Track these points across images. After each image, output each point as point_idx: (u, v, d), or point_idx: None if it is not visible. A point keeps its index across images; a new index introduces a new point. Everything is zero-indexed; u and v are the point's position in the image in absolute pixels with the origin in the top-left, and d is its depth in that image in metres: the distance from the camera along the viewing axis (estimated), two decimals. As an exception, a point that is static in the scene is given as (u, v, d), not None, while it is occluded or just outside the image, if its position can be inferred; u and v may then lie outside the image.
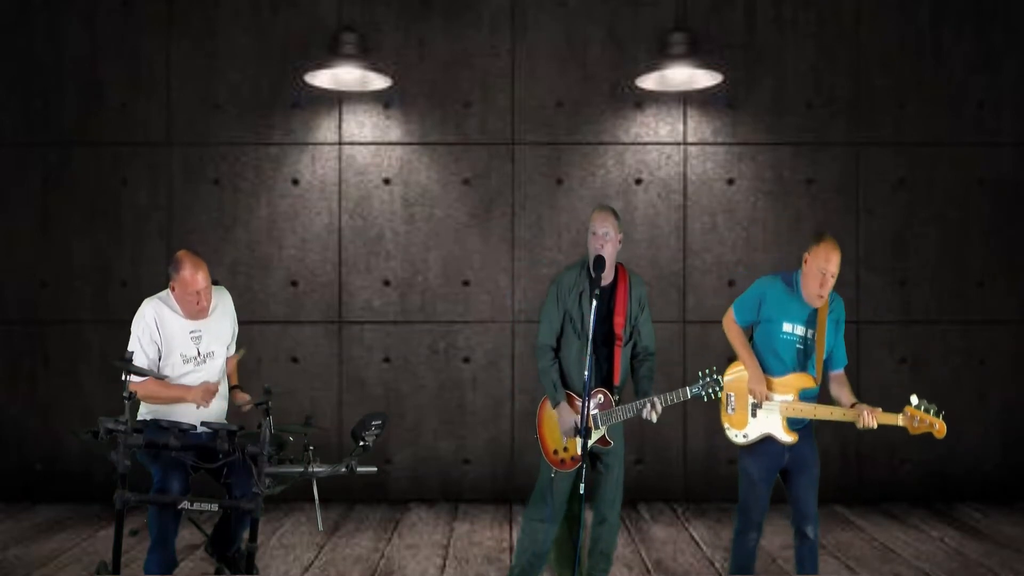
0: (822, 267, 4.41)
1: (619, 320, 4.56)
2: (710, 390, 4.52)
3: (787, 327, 4.51)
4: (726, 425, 4.60)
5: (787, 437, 4.49)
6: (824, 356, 4.52)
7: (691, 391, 4.51)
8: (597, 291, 4.35)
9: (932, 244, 7.43)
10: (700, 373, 4.55)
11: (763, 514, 4.57)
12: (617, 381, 4.63)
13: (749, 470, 4.55)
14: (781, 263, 7.16)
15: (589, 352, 4.27)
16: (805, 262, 4.47)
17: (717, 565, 5.71)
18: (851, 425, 7.35)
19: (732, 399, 4.59)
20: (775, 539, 6.05)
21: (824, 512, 7.03)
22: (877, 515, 6.98)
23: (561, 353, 4.67)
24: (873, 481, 7.40)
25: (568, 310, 4.63)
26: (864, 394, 7.31)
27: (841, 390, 4.57)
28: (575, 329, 4.61)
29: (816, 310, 4.50)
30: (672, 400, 4.53)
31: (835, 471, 7.33)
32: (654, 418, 4.53)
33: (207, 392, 4.47)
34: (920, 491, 7.38)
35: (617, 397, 4.63)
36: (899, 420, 4.35)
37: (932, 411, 4.34)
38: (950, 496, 7.37)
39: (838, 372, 4.61)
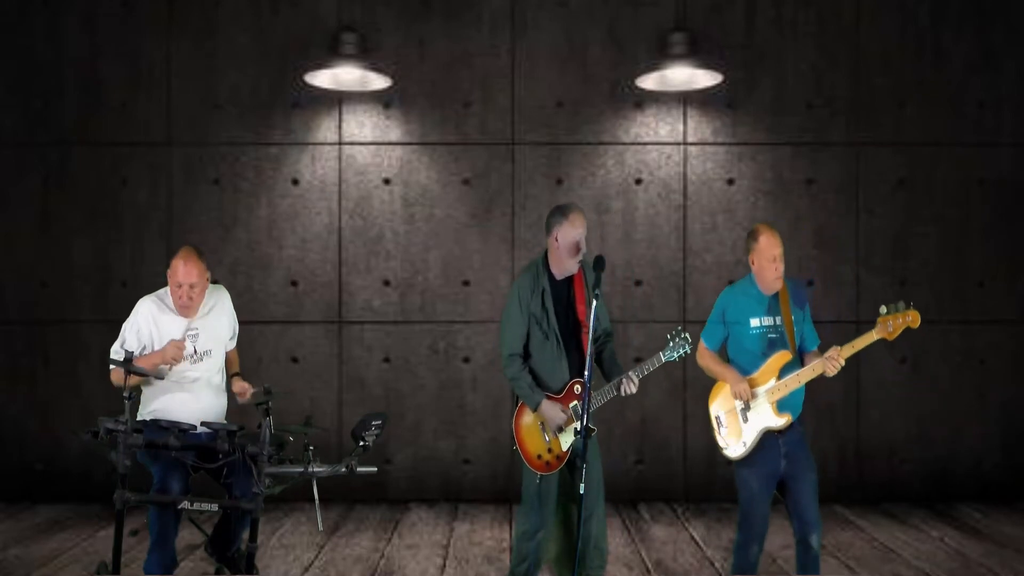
0: (769, 255, 4.47)
1: (582, 308, 4.57)
2: (680, 350, 4.49)
3: (755, 322, 4.54)
4: (722, 446, 4.61)
5: (779, 420, 4.45)
6: (796, 335, 4.51)
7: (664, 356, 4.48)
8: (597, 291, 4.34)
9: (932, 244, 7.43)
10: (668, 335, 4.53)
11: (765, 525, 4.52)
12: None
13: (749, 481, 4.50)
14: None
15: (590, 351, 4.25)
16: (752, 263, 4.53)
17: (717, 565, 5.70)
18: (851, 425, 7.35)
19: (722, 418, 4.61)
20: (775, 539, 6.04)
21: (824, 512, 7.02)
22: (877, 515, 6.97)
23: (533, 358, 4.65)
24: (873, 481, 7.40)
25: (533, 313, 4.62)
26: (865, 393, 7.37)
27: (811, 358, 4.53)
28: (542, 329, 4.61)
29: (777, 296, 4.54)
30: (648, 370, 4.52)
31: (835, 471, 7.33)
32: (633, 389, 4.52)
33: (175, 348, 4.43)
34: (920, 491, 7.38)
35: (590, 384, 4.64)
36: (875, 335, 4.34)
37: (901, 308, 4.31)
38: (950, 496, 7.37)
39: (812, 351, 4.59)
